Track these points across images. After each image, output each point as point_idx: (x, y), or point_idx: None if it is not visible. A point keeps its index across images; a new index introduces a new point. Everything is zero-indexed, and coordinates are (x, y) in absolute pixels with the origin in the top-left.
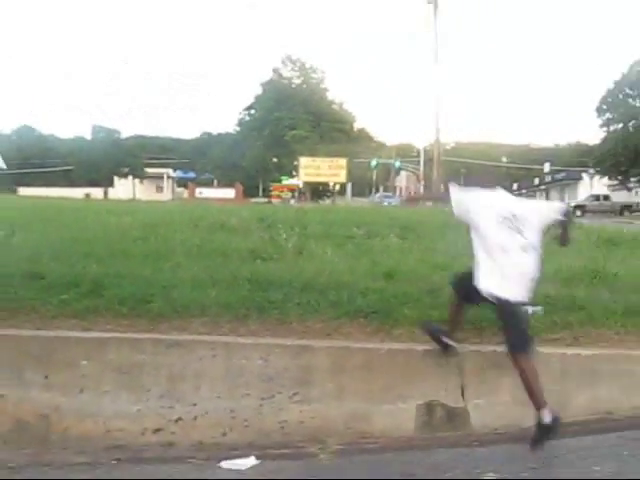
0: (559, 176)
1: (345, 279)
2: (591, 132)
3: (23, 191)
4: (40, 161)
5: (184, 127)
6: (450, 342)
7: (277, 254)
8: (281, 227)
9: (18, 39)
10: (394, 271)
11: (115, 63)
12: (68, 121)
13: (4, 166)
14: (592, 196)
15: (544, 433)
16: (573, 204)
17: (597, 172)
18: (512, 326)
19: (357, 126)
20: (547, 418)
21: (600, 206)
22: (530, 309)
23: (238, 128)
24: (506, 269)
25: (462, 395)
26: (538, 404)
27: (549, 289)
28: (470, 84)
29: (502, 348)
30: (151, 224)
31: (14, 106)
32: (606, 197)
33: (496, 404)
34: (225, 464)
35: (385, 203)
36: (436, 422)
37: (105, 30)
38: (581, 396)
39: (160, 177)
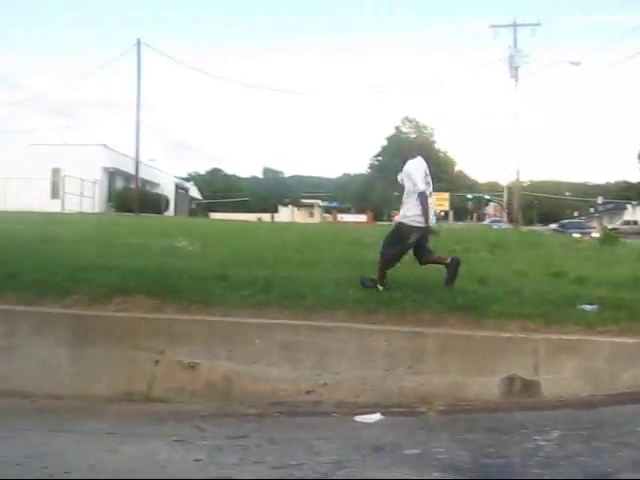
0: (609, 207)
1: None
2: (634, 172)
3: (213, 215)
4: (225, 194)
5: (330, 169)
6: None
7: (399, 263)
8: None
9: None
10: (485, 277)
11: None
12: (246, 163)
13: (200, 197)
14: (624, 221)
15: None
16: (610, 227)
17: (638, 204)
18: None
19: (457, 168)
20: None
21: (630, 229)
22: (588, 307)
23: (369, 170)
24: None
25: (535, 371)
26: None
27: (602, 292)
28: (541, 133)
29: (566, 336)
30: (305, 239)
31: (208, 153)
32: (635, 222)
33: (561, 379)
34: (358, 418)
35: (495, 226)
36: (516, 391)
37: None
38: (626, 374)
39: (312, 206)
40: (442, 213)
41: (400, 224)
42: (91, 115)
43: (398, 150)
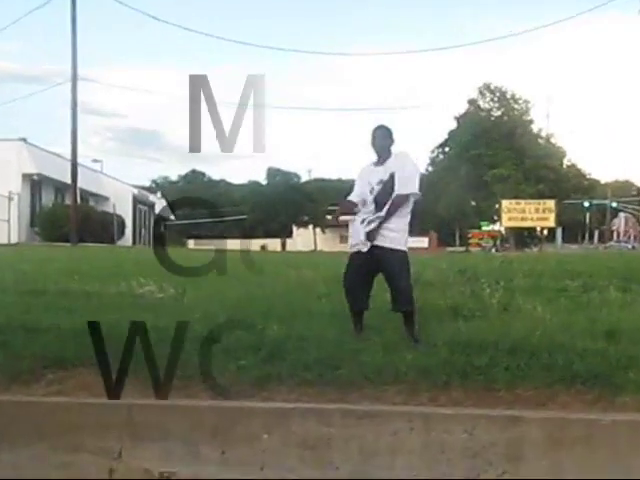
0: None
1: (559, 339)
2: None
3: (192, 244)
4: (211, 210)
5: None
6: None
7: (480, 311)
8: (484, 280)
9: None
10: (616, 329)
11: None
12: (242, 163)
13: (172, 215)
14: None
15: None
16: None
17: None
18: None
19: (567, 162)
20: None
21: None
22: None
23: (431, 168)
24: None
25: None
26: None
27: None
28: None
29: None
30: (336, 278)
31: (182, 148)
32: None
33: None
34: None
35: (628, 247)
36: None
37: None
38: None
39: (345, 226)
40: (543, 232)
41: (403, 252)
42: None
43: (376, 131)
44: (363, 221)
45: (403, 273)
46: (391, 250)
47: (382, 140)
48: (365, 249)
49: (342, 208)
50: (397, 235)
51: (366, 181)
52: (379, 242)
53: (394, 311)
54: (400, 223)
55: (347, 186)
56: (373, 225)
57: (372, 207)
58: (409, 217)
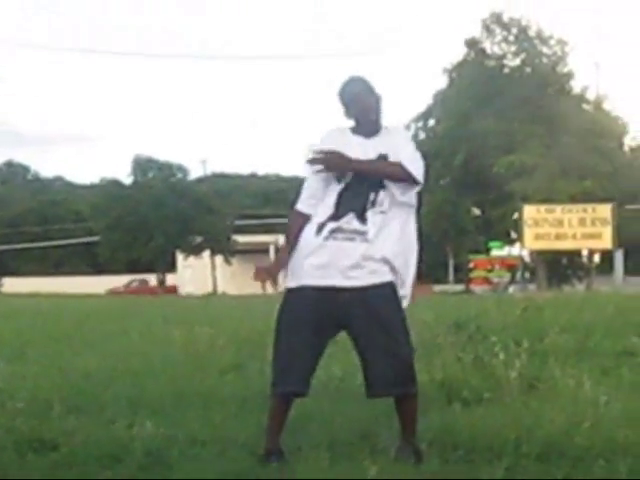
0: None
1: (621, 436)
2: None
3: (11, 285)
4: (44, 226)
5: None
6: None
7: (490, 391)
8: (495, 339)
9: None
10: None
11: None
12: (87, 151)
13: None
14: None
15: None
16: None
17: None
18: None
19: (630, 142)
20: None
21: None
22: None
23: None
24: None
25: None
26: None
27: None
28: None
29: None
30: (251, 339)
31: None
32: None
33: None
34: None
35: None
36: None
37: None
38: None
39: (263, 251)
40: (593, 258)
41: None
42: None
43: (353, 86)
44: (321, 229)
45: (406, 328)
46: (386, 288)
47: (367, 99)
48: (324, 283)
49: (286, 240)
50: (398, 260)
51: None
52: (362, 279)
53: (378, 396)
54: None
55: (272, 186)
56: (349, 246)
57: (345, 209)
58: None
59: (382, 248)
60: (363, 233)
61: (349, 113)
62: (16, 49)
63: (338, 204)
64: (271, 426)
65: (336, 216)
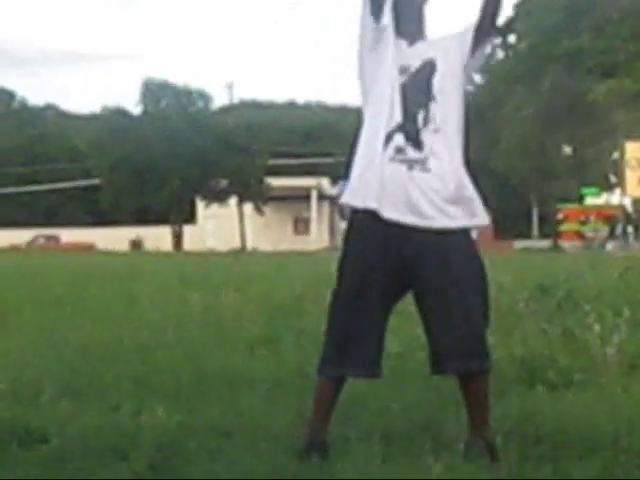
0: None
1: None
2: None
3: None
4: (29, 169)
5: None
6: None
7: (582, 371)
8: (589, 308)
9: None
10: None
11: None
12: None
13: None
14: None
15: None
16: None
17: None
18: None
19: None
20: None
21: None
22: None
23: (479, 78)
24: None
25: None
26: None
27: None
28: None
29: None
30: (287, 306)
31: None
32: None
33: None
34: None
35: None
36: None
37: None
38: None
39: (302, 197)
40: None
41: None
42: None
43: None
44: (388, 141)
45: (482, 287)
46: (463, 236)
47: None
48: (401, 218)
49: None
50: (470, 195)
51: (387, 68)
52: (438, 220)
53: (443, 373)
54: (458, 161)
55: (314, 118)
56: (418, 176)
57: (399, 121)
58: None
59: (450, 180)
60: (423, 161)
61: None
62: None
63: (405, 108)
64: (316, 413)
65: (404, 127)
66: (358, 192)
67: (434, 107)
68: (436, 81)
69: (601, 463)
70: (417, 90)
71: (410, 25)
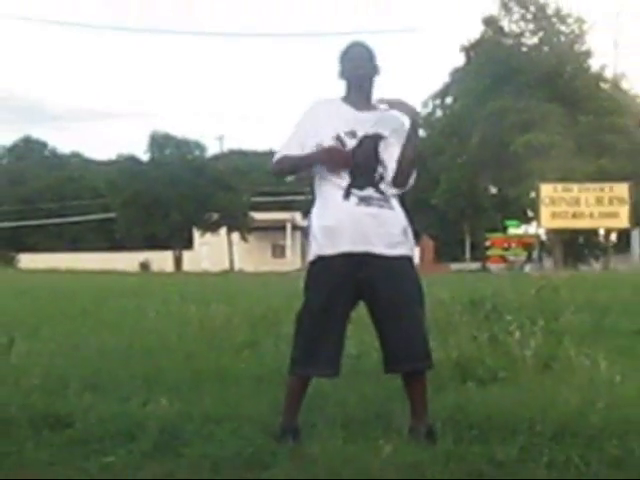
0: None
1: (635, 418)
2: None
3: (28, 262)
4: (56, 205)
5: None
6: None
7: (505, 370)
8: (511, 318)
9: None
10: None
11: None
12: (105, 128)
13: None
14: None
15: None
16: None
17: None
18: None
19: None
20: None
21: None
22: None
23: (423, 132)
24: None
25: None
26: None
27: None
28: None
29: None
30: (266, 317)
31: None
32: None
33: None
34: None
35: None
36: None
37: None
38: None
39: (279, 228)
40: (610, 237)
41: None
42: None
43: (353, 50)
44: (348, 194)
45: (421, 302)
46: (405, 260)
47: (365, 62)
48: (360, 249)
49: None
50: (407, 232)
51: (329, 126)
52: (394, 248)
53: (395, 372)
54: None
55: None
56: (382, 213)
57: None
58: None
59: (402, 219)
60: (387, 201)
61: (342, 73)
62: (38, 25)
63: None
64: (288, 404)
65: (357, 185)
66: (323, 243)
67: (380, 169)
68: (381, 149)
69: (520, 444)
70: (366, 154)
71: (357, 92)
